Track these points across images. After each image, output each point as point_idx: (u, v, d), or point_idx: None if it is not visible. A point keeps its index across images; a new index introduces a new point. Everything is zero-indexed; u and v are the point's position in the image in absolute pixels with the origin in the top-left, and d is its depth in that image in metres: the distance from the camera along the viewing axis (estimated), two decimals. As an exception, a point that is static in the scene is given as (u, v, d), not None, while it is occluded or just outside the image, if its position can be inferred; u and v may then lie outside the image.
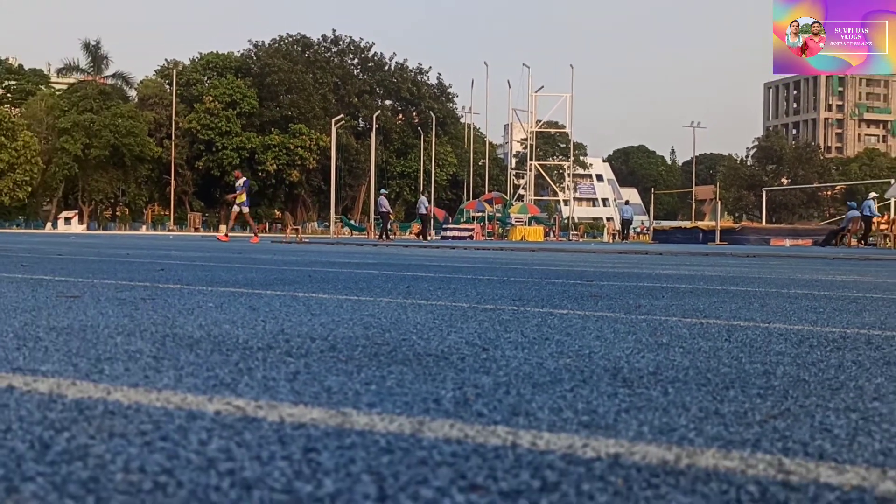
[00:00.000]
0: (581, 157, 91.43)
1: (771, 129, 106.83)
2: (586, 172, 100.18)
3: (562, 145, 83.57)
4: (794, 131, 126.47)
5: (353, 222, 51.88)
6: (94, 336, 2.24)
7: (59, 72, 61.48)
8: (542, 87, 56.66)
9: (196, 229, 56.19)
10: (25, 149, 52.47)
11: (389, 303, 3.48)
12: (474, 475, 1.03)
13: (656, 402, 1.51)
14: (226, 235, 20.90)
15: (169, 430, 1.19)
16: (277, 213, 71.48)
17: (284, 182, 65.07)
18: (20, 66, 71.62)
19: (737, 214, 73.64)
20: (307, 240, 23.03)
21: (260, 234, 23.54)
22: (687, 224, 42.49)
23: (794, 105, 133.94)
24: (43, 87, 66.91)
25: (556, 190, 68.69)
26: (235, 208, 19.41)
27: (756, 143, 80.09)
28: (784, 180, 72.31)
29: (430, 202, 28.43)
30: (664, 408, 1.47)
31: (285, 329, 2.48)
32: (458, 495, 0.95)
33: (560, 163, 73.24)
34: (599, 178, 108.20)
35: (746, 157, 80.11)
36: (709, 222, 37.40)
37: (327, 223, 53.56)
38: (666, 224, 54.66)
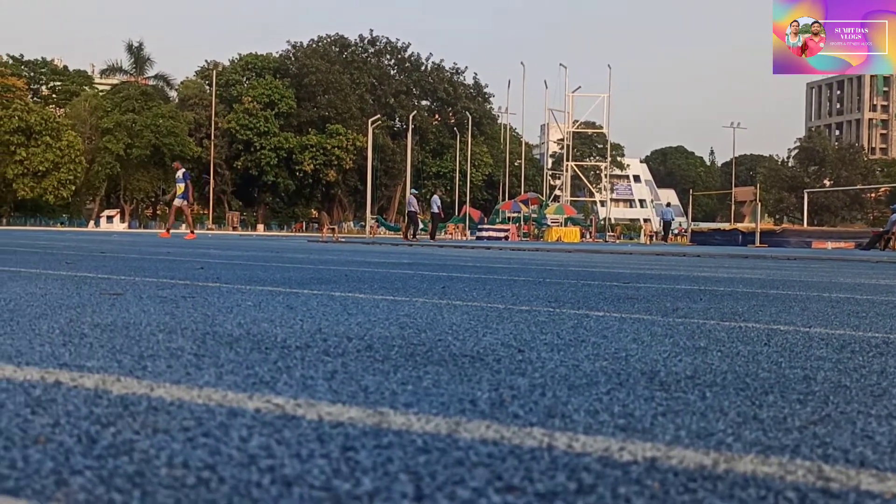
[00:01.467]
0: (618, 158, 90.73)
1: (813, 129, 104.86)
2: (623, 173, 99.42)
3: (599, 146, 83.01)
4: (837, 132, 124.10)
5: (388, 222, 52.09)
6: (137, 333, 2.29)
7: (103, 73, 62.83)
8: (580, 87, 56.30)
9: (234, 228, 56.91)
10: (69, 148, 53.65)
11: (425, 303, 3.49)
12: (510, 476, 1.03)
13: (694, 407, 1.50)
14: (167, 232, 20.00)
15: (211, 427, 1.22)
16: (314, 212, 72.12)
17: (321, 182, 65.66)
18: (65, 67, 73.18)
19: (777, 216, 72.48)
20: (343, 239, 23.20)
21: (196, 232, 22.48)
22: (726, 226, 41.93)
23: (838, 105, 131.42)
24: (87, 87, 68.31)
25: (593, 191, 68.25)
26: (177, 201, 18.61)
27: (798, 143, 78.74)
28: (826, 182, 70.99)
29: (442, 202, 27.94)
30: (702, 412, 1.46)
31: (322, 328, 2.51)
32: (494, 496, 0.96)
33: (597, 163, 72.72)
34: (637, 178, 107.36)
35: (788, 158, 78.82)
36: (748, 224, 36.86)
37: (363, 223, 53.89)
38: (704, 226, 53.99)
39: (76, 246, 10.92)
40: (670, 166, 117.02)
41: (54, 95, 69.40)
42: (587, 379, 1.76)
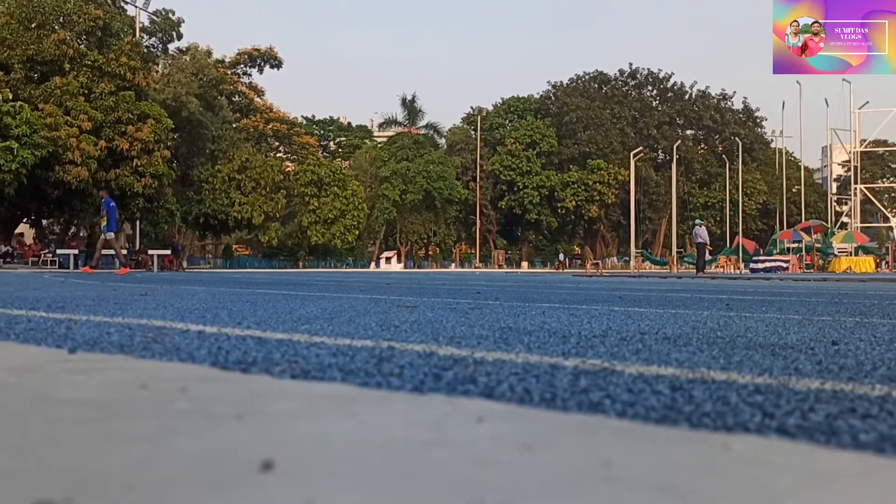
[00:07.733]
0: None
1: None
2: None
3: (893, 165, 74.56)
4: None
5: (654, 256, 50.79)
6: (441, 327, 2.46)
7: (380, 126, 68.73)
8: (867, 102, 51.13)
9: (500, 266, 58.87)
10: (353, 197, 59.08)
11: (711, 315, 3.37)
12: (864, 409, 1.00)
13: None
14: (90, 267, 16.43)
15: (539, 373, 1.30)
16: (577, 248, 72.38)
17: (583, 217, 65.81)
18: (349, 123, 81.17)
19: None
20: (607, 273, 22.98)
21: (129, 268, 17.09)
22: None
23: None
24: (367, 140, 75.11)
25: (888, 216, 61.24)
26: (106, 234, 15.12)
27: None
28: None
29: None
30: None
31: (612, 328, 2.53)
32: (850, 418, 0.94)
33: (892, 185, 65.29)
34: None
35: None
36: None
37: (627, 258, 53.03)
38: None
39: (363, 280, 11.98)
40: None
41: (340, 149, 77.05)
42: (922, 363, 1.59)
